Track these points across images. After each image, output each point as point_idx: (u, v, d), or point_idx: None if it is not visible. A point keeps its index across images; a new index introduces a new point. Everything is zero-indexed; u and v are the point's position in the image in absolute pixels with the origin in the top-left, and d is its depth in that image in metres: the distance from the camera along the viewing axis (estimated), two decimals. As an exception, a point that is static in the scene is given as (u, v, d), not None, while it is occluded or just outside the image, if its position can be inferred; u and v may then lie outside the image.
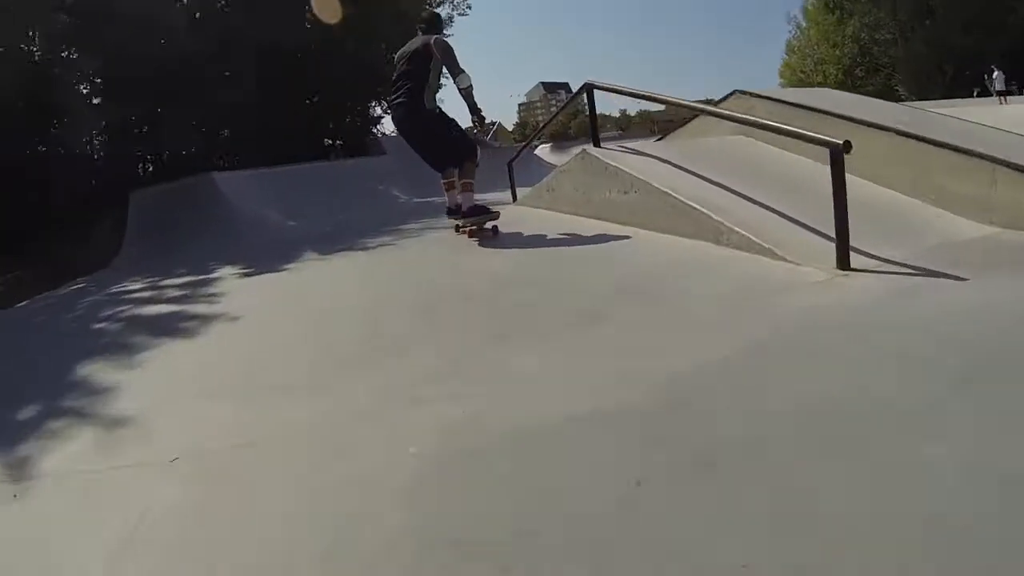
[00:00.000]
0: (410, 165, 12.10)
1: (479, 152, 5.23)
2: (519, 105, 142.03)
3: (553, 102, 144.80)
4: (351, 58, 16.10)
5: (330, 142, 17.30)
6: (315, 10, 13.16)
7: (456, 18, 20.84)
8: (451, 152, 5.15)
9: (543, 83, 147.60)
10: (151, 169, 14.14)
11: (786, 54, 44.19)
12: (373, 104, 19.78)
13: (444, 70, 4.89)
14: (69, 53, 12.06)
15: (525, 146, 10.54)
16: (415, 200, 11.32)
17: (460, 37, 59.79)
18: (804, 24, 42.77)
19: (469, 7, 21.60)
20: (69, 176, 11.97)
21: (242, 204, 9.22)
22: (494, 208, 5.30)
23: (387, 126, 20.47)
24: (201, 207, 9.03)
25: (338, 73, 15.82)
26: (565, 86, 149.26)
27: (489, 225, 5.24)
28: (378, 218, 8.49)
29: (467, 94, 4.83)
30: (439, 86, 5.15)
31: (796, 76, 42.86)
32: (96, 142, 13.26)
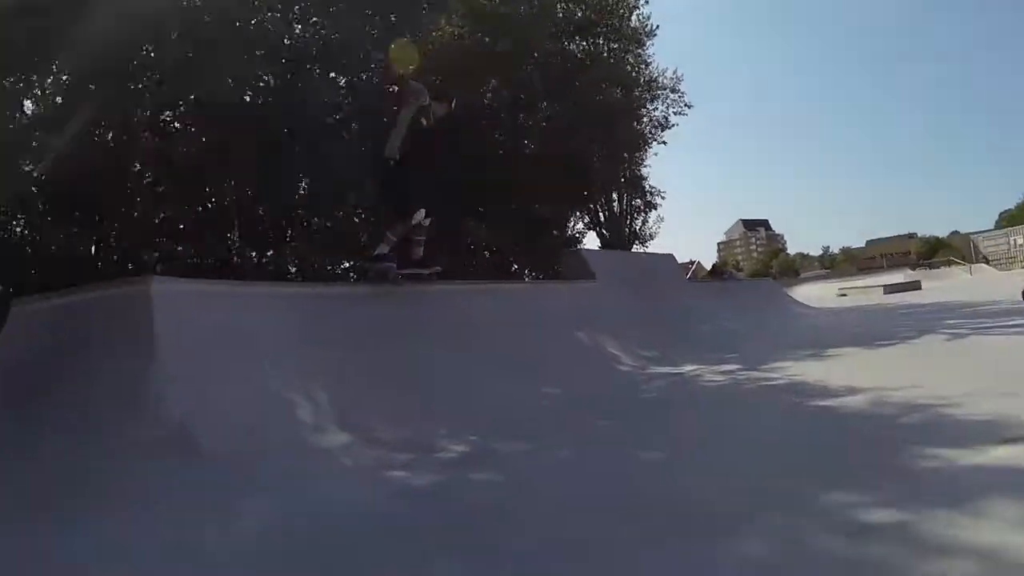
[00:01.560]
0: (634, 297, 7.53)
1: None
2: (718, 244, 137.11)
3: (753, 240, 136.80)
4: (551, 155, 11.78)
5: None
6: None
7: (672, 119, 16.11)
8: None
9: (743, 220, 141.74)
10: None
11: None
12: (575, 215, 15.17)
13: None
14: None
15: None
16: (657, 369, 5.65)
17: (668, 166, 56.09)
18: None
19: (688, 106, 17.11)
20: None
21: (210, 371, 3.17)
22: None
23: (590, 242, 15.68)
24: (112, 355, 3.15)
25: (526, 174, 11.34)
26: (765, 223, 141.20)
27: None
28: (619, 458, 2.87)
29: None
30: None
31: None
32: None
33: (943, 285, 24.14)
